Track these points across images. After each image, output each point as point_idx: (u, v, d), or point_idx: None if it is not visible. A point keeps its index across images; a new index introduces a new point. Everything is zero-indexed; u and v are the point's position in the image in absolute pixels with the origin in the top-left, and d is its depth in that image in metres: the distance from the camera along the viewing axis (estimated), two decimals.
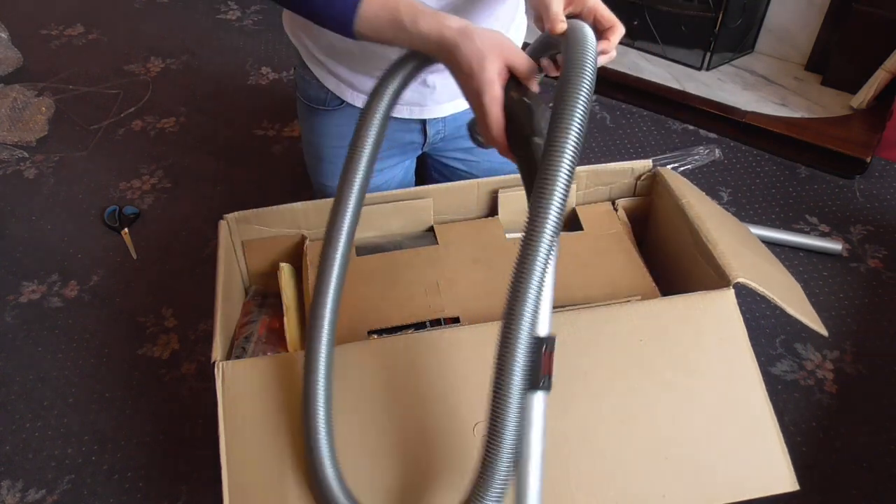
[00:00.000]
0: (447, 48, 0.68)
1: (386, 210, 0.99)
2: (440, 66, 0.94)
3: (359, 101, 1.04)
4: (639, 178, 1.04)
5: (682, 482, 0.73)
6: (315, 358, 0.72)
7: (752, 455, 0.74)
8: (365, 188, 0.75)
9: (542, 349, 0.59)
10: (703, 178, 1.55)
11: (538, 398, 0.60)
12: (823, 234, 1.40)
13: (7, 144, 1.67)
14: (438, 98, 1.02)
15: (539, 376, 0.59)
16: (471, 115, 0.92)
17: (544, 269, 0.58)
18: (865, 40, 1.59)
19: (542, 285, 0.58)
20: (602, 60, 0.70)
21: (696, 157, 1.59)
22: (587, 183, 1.03)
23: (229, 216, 0.96)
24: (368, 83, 1.01)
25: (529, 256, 0.58)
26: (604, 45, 0.71)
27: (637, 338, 0.78)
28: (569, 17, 0.70)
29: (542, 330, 0.62)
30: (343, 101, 1.05)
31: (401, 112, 1.04)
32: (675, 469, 0.73)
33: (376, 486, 0.71)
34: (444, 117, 1.06)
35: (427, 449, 0.73)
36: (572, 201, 1.03)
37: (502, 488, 0.57)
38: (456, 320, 0.88)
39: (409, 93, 1.01)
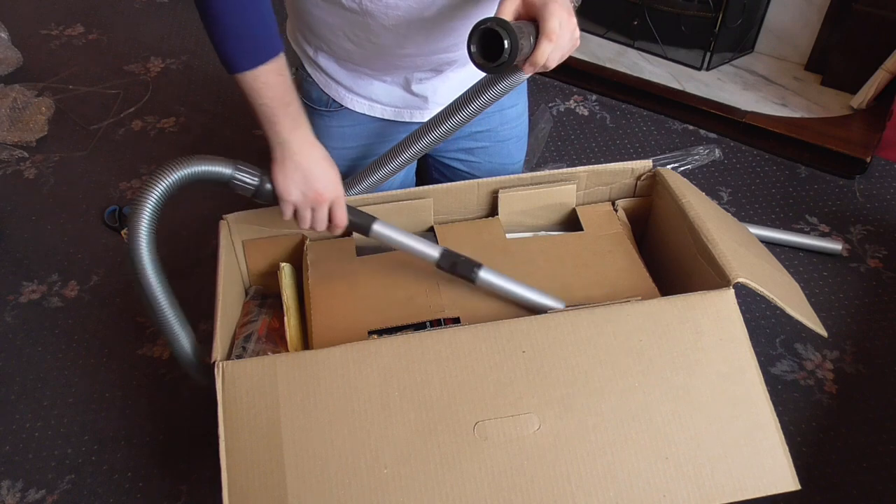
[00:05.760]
0: (271, 155, 0.86)
1: (386, 210, 0.99)
2: (427, 74, 0.97)
3: (357, 104, 1.04)
4: (639, 178, 1.04)
5: (682, 482, 0.73)
6: None
7: (753, 455, 0.74)
8: None
9: None
10: (703, 178, 1.55)
11: None
12: (823, 234, 1.40)
13: (7, 144, 1.67)
14: (434, 105, 1.03)
15: None
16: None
17: None
18: (865, 40, 1.59)
19: None
20: (528, 70, 0.72)
21: (696, 157, 1.59)
22: (587, 183, 1.03)
23: (229, 216, 0.96)
24: (366, 87, 1.02)
25: None
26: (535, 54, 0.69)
27: (637, 338, 0.79)
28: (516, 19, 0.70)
29: None
30: (343, 105, 1.05)
31: (401, 115, 1.05)
32: (674, 469, 0.73)
33: (375, 485, 0.71)
34: None
35: (426, 448, 0.73)
36: (572, 201, 1.03)
37: None
38: (456, 320, 0.88)
39: (405, 99, 1.02)
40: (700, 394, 0.76)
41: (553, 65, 0.71)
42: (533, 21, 0.70)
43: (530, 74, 0.75)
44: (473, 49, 0.68)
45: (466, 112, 0.87)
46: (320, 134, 1.10)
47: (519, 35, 0.66)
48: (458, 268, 0.88)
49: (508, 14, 0.70)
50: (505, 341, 0.78)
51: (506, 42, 0.65)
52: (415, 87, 1.01)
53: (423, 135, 0.91)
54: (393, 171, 0.96)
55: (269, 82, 0.80)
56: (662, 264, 1.02)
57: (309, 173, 0.84)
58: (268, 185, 0.85)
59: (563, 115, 1.75)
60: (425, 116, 1.05)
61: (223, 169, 0.83)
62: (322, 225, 0.86)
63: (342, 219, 0.87)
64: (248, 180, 0.84)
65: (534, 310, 0.89)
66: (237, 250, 0.99)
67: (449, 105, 0.89)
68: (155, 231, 0.77)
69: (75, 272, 1.38)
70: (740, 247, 0.91)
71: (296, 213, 0.86)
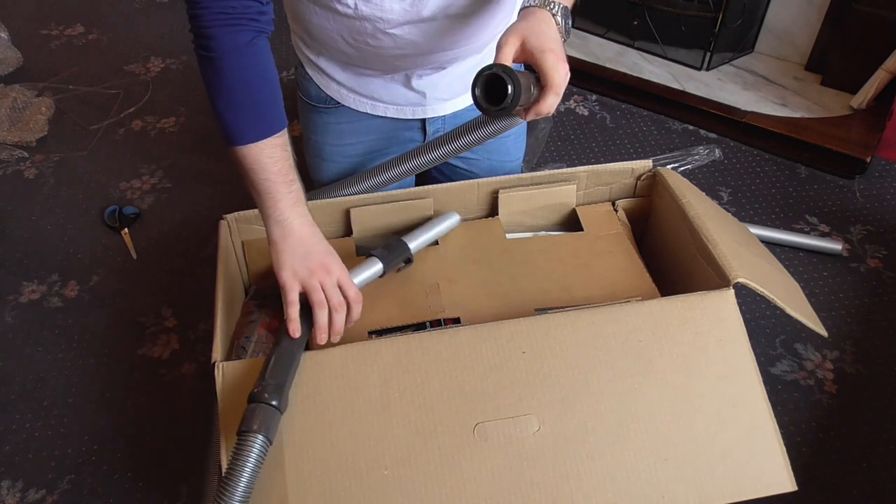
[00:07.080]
0: (268, 236, 0.81)
1: (386, 210, 0.99)
2: (427, 71, 0.98)
3: (358, 104, 1.05)
4: (639, 178, 1.04)
5: (681, 483, 0.73)
6: None
7: (751, 456, 0.74)
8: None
9: None
10: (703, 178, 1.55)
11: None
12: (823, 234, 1.40)
13: (7, 144, 1.67)
14: (432, 101, 1.04)
15: None
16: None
17: None
18: (865, 40, 1.59)
19: None
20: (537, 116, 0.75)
21: (696, 157, 1.59)
22: (587, 183, 1.03)
23: (229, 216, 0.96)
24: (367, 85, 1.03)
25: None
26: (539, 105, 0.73)
27: (637, 338, 0.78)
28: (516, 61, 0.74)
29: None
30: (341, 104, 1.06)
31: (403, 113, 1.05)
32: (674, 470, 0.73)
33: (375, 486, 0.71)
34: (444, 116, 1.07)
35: (427, 450, 0.73)
36: (572, 201, 1.03)
37: None
38: (456, 321, 0.88)
39: (408, 95, 1.03)
40: (699, 395, 0.76)
41: (552, 112, 0.74)
42: (529, 67, 0.74)
43: (531, 119, 0.77)
44: (478, 93, 0.70)
45: (468, 139, 0.95)
46: (319, 130, 1.11)
47: (521, 82, 0.69)
48: (405, 263, 0.93)
49: (507, 59, 0.72)
50: (505, 342, 0.78)
51: (510, 87, 0.68)
52: (415, 83, 1.01)
53: (423, 153, 0.97)
54: (389, 180, 0.99)
55: (275, 156, 0.78)
56: (662, 264, 1.02)
57: (312, 248, 0.79)
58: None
59: (562, 115, 1.75)
60: (427, 113, 1.06)
61: (262, 446, 0.69)
62: (338, 298, 0.78)
63: (355, 292, 0.80)
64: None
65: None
66: (237, 250, 0.99)
67: (457, 128, 0.95)
68: None
69: (75, 272, 1.38)
70: (740, 247, 0.91)
71: (304, 295, 0.78)
